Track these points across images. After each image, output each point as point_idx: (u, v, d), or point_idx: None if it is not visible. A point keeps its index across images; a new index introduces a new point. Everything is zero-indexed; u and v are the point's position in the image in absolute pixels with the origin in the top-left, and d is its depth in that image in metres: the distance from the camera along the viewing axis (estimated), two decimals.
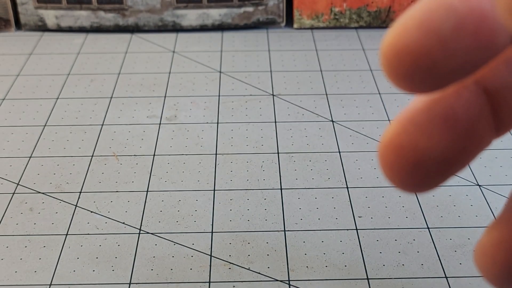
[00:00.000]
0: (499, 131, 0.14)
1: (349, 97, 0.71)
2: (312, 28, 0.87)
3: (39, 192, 0.57)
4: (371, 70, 0.77)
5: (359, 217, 0.55)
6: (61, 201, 0.56)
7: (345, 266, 0.50)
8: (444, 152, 0.13)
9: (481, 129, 0.13)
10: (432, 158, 0.13)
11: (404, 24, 0.12)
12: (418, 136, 0.13)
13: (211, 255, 0.51)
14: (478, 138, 0.13)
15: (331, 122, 0.67)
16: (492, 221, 0.13)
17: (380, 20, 0.86)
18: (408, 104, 0.13)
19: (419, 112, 0.13)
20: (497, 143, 0.64)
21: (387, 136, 0.13)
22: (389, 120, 0.67)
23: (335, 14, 0.85)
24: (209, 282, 0.48)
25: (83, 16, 0.85)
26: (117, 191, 0.58)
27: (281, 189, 0.58)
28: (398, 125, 0.13)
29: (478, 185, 0.58)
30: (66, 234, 0.53)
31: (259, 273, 0.49)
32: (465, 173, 0.60)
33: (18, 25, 0.87)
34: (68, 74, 0.76)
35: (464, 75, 0.12)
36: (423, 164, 0.13)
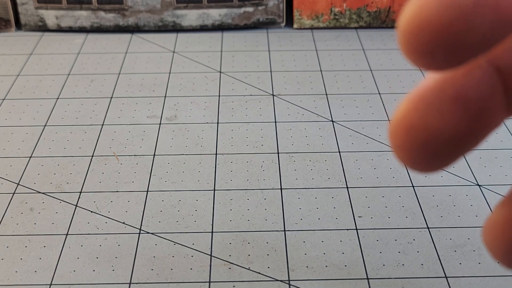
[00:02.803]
0: (511, 110, 0.13)
1: (349, 97, 0.71)
2: (312, 28, 0.87)
3: (39, 192, 0.57)
4: (371, 70, 0.77)
5: (359, 217, 0.55)
6: (61, 201, 0.56)
7: (345, 266, 0.50)
8: (455, 131, 0.13)
9: (493, 109, 0.13)
10: (443, 137, 0.13)
11: None
12: (429, 114, 0.12)
13: (211, 255, 0.51)
14: (489, 118, 0.13)
15: (331, 122, 0.67)
16: (502, 198, 0.13)
17: (380, 20, 0.86)
18: (419, 84, 0.13)
19: (430, 91, 0.13)
20: (497, 143, 0.64)
21: (397, 115, 0.13)
22: (389, 120, 0.67)
23: (335, 14, 0.85)
24: (209, 282, 0.48)
25: (83, 16, 0.85)
26: (117, 191, 0.58)
27: (281, 189, 0.58)
28: (409, 103, 0.13)
29: (478, 185, 0.58)
30: (66, 234, 0.53)
31: (259, 273, 0.49)
32: (465, 173, 0.60)
33: (19, 25, 0.87)
34: (68, 74, 0.76)
35: (483, 50, 0.12)
36: (433, 143, 0.13)
